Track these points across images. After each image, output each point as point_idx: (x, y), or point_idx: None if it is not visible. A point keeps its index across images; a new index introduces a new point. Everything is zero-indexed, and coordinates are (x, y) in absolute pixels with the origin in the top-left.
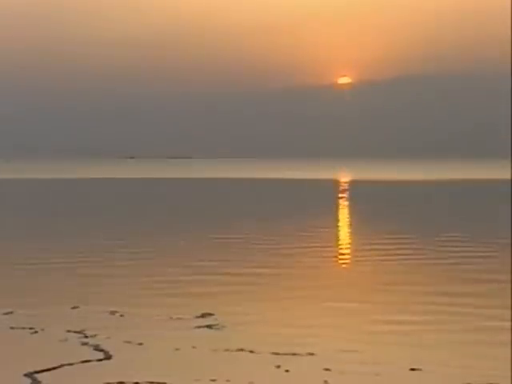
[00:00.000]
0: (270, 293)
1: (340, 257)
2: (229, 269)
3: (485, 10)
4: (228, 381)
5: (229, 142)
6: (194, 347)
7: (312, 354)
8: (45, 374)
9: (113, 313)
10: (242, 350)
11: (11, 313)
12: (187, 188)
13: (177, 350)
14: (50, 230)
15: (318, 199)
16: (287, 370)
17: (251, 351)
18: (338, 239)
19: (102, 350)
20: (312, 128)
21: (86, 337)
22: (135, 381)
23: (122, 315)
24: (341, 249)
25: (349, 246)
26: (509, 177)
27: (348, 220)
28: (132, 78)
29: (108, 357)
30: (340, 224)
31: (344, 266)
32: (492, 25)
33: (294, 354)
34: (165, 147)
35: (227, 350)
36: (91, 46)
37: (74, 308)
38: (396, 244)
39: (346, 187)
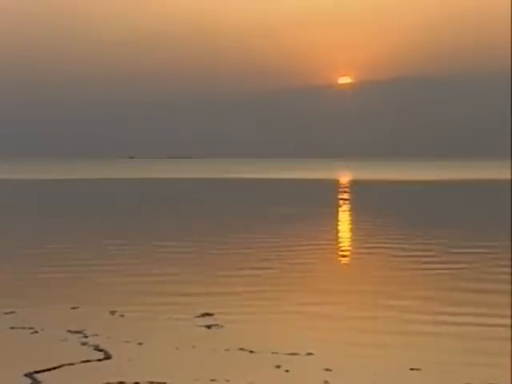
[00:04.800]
0: (270, 293)
1: (341, 257)
2: (229, 269)
3: (485, 11)
4: (228, 381)
5: (229, 142)
6: (193, 347)
7: (312, 354)
8: (45, 374)
9: (113, 313)
10: (242, 349)
11: (11, 312)
12: (187, 188)
13: (177, 349)
14: (49, 230)
15: (319, 199)
16: (287, 370)
17: (251, 351)
18: (339, 240)
19: (101, 350)
20: (312, 128)
21: (86, 337)
22: (135, 381)
23: (121, 315)
24: (342, 250)
25: (350, 247)
26: (509, 177)
27: (349, 221)
28: (131, 77)
29: (108, 357)
30: (341, 225)
31: (345, 266)
32: (492, 25)
33: (294, 354)
34: (165, 147)
35: (227, 349)
36: (91, 45)
37: (73, 308)
38: (398, 246)
39: (347, 187)
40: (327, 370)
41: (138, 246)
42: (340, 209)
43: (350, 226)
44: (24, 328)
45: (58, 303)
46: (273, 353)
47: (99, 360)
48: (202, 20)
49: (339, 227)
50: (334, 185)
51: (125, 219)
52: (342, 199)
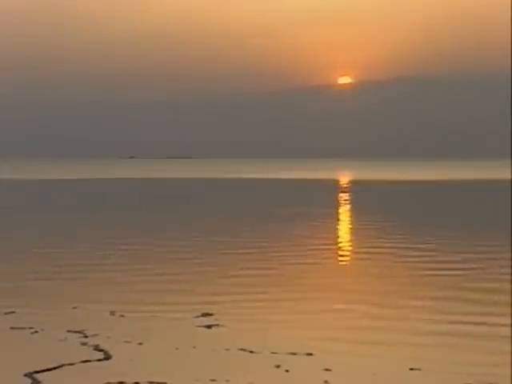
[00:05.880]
0: (269, 293)
1: (341, 259)
2: (229, 269)
3: (485, 11)
4: (228, 381)
5: (229, 142)
6: (193, 347)
7: (312, 354)
8: (45, 373)
9: (113, 313)
10: (242, 349)
11: (11, 312)
12: (187, 188)
13: (177, 349)
14: (49, 230)
15: (319, 199)
16: (287, 370)
17: (251, 351)
18: (339, 242)
19: (101, 350)
20: (312, 128)
21: (86, 337)
22: (135, 381)
23: (122, 315)
24: (342, 251)
25: (350, 248)
26: (509, 177)
27: (349, 221)
28: (131, 77)
29: (108, 357)
30: (341, 226)
31: (345, 268)
32: (492, 25)
33: (294, 354)
34: (165, 147)
35: (227, 349)
36: (91, 45)
37: (74, 308)
38: (398, 248)
39: (347, 187)
40: (327, 370)
41: (138, 246)
42: (340, 209)
43: (350, 227)
44: (24, 328)
45: (58, 303)
46: (273, 353)
47: (99, 360)
48: (202, 20)
49: (339, 228)
50: (334, 185)
51: (125, 219)
52: (342, 199)
